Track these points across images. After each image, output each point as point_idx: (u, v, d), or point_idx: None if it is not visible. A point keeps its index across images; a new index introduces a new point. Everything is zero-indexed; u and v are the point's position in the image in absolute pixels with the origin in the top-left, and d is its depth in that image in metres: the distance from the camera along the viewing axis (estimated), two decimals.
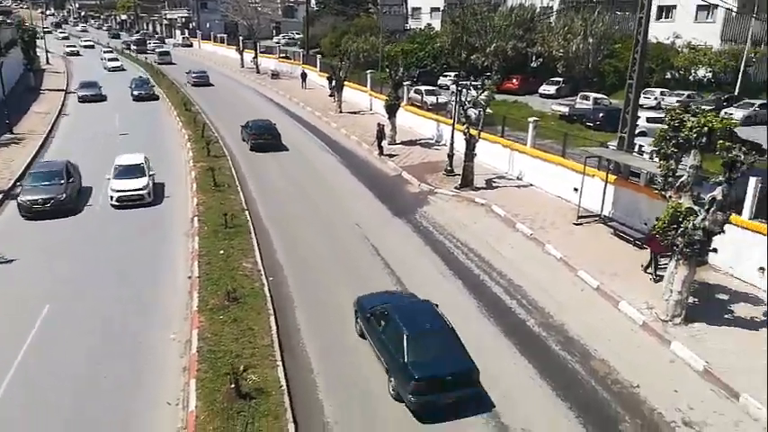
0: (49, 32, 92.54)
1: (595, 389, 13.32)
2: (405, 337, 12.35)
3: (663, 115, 26.43)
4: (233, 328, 14.86)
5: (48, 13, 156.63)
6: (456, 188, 25.89)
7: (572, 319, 15.94)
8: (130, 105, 44.48)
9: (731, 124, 13.83)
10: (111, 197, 23.55)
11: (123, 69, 63.04)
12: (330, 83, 45.08)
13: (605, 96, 41.95)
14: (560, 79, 49.20)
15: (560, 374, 13.76)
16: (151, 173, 24.76)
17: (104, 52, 72.78)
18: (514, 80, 50.22)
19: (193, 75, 55.40)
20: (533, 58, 52.71)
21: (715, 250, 18.10)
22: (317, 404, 12.68)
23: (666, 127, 14.89)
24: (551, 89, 48.27)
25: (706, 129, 13.72)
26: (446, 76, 51.63)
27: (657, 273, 17.68)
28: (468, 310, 16.49)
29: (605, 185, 21.62)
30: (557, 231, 21.36)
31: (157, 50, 76.52)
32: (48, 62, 67.84)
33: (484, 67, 52.58)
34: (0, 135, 34.01)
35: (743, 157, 13.10)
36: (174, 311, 16.18)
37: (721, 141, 13.26)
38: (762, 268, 16.98)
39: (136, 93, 46.24)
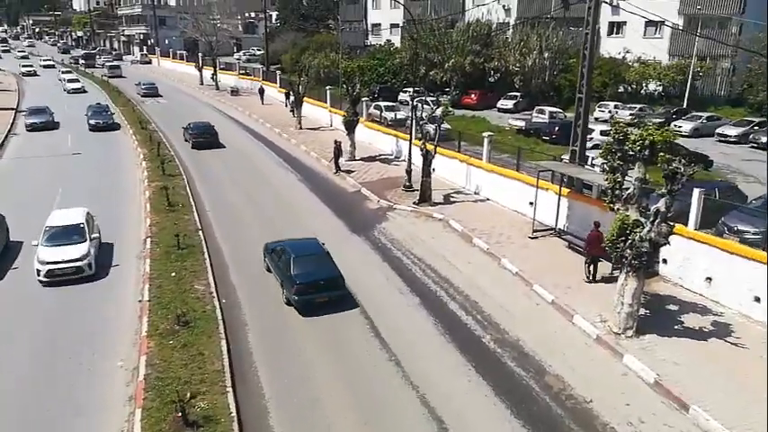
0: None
1: (549, 405, 13.31)
2: (291, 258, 17.11)
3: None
4: (183, 354, 14.44)
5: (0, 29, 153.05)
6: (414, 204, 25.93)
7: (527, 334, 15.98)
8: (86, 135, 39.61)
9: (671, 137, 14.18)
10: (39, 271, 18.10)
11: (85, 91, 58.70)
12: (287, 98, 45.06)
13: (561, 110, 42.81)
14: (518, 94, 50.11)
15: (515, 391, 13.73)
16: (94, 235, 19.79)
17: (63, 72, 68.64)
18: (473, 95, 50.98)
19: (143, 86, 59.38)
20: (491, 73, 53.53)
21: (664, 261, 18.63)
22: (269, 430, 12.35)
23: (611, 140, 15.18)
24: (509, 104, 49.09)
25: (648, 141, 14.02)
26: (406, 91, 51.97)
27: (594, 275, 18.49)
28: (424, 326, 16.43)
29: (558, 199, 21.92)
30: (512, 245, 21.52)
31: (107, 65, 79.06)
32: None
33: (443, 82, 53.39)
34: None
35: (683, 168, 13.41)
36: (123, 337, 15.64)
37: (662, 154, 13.56)
38: (758, 298, 16.73)
39: (92, 122, 40.86)
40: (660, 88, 50.40)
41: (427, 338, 15.83)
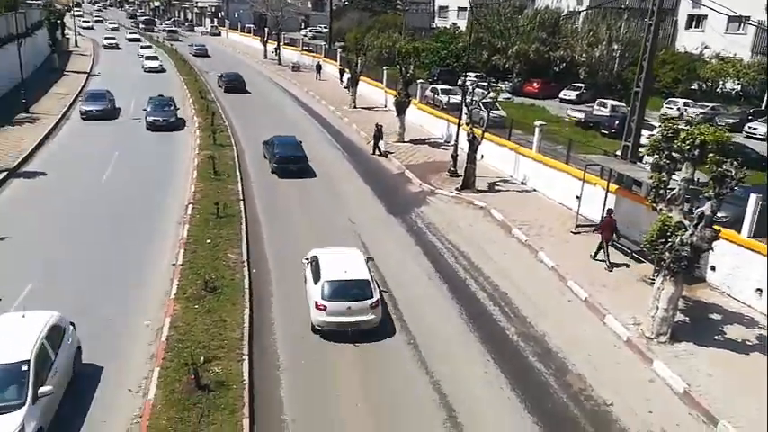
0: (81, 16, 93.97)
1: (566, 404, 12.87)
2: (275, 143, 27.37)
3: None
4: (206, 319, 14.73)
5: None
6: (457, 189, 25.48)
7: (554, 329, 15.47)
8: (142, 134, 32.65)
9: (724, 137, 13.21)
10: None
11: (163, 70, 54.20)
12: (342, 75, 45.19)
13: (624, 104, 40.94)
14: (582, 85, 48.31)
15: (532, 386, 13.34)
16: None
17: (142, 47, 63.99)
18: (535, 84, 49.55)
19: (195, 47, 69.36)
20: (556, 63, 51.76)
21: (713, 268, 17.60)
22: (278, 401, 12.47)
23: (659, 137, 14.32)
24: (572, 94, 47.40)
25: (698, 140, 13.13)
26: (467, 76, 50.96)
27: (610, 262, 18.65)
28: (448, 312, 16.19)
29: (606, 194, 21.01)
30: (552, 239, 20.84)
31: (166, 29, 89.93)
32: (76, 44, 68.97)
33: (505, 68, 52.16)
34: (16, 114, 34.53)
35: (733, 172, 12.49)
36: (154, 298, 16.09)
37: (712, 155, 12.67)
38: (759, 289, 16.29)
39: (150, 119, 32.95)
40: (738, 87, 47.51)
41: (449, 325, 15.56)
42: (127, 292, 16.24)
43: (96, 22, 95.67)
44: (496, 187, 26.12)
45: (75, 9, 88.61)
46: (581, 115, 39.16)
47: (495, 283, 17.86)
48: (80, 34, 74.93)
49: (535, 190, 25.79)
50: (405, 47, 32.93)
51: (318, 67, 55.64)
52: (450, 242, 20.66)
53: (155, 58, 56.82)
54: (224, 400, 11.94)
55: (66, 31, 68.78)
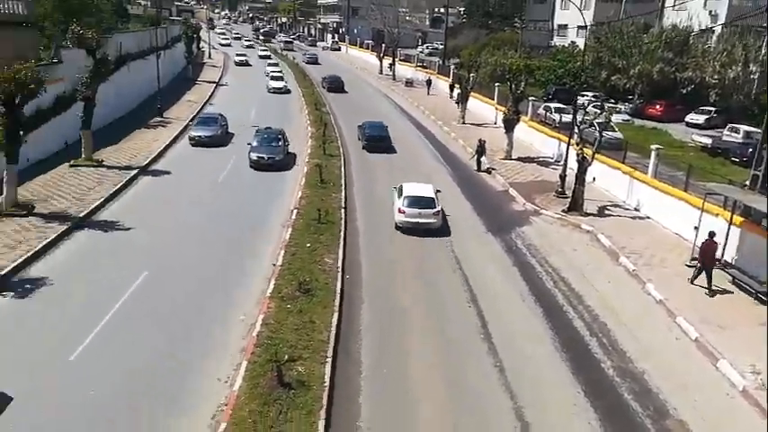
0: (223, 33, 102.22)
1: None
2: (365, 126, 34.27)
3: None
4: (296, 319, 15.12)
5: (222, 13, 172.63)
6: (563, 211, 24.45)
7: (656, 368, 14.28)
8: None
9: None
10: None
11: (287, 92, 51.49)
12: (451, 90, 45.28)
13: (759, 131, 37.44)
14: (712, 108, 44.82)
15: (625, 427, 12.37)
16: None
17: (269, 65, 62.17)
18: (658, 106, 46.74)
19: (307, 56, 79.27)
20: (683, 84, 48.48)
21: None
22: (356, 407, 12.47)
23: None
24: (700, 118, 44.10)
25: None
26: (584, 95, 49.14)
27: (711, 287, 17.80)
28: (539, 338, 15.47)
29: (729, 227, 19.22)
30: (664, 270, 19.36)
31: (283, 40, 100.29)
32: (210, 57, 74.38)
33: (625, 89, 49.68)
34: (151, 118, 37.75)
35: None
36: (251, 295, 16.77)
37: None
38: None
39: (254, 156, 28.66)
40: None
41: (540, 353, 14.84)
42: (228, 287, 17.06)
43: (235, 39, 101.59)
44: (606, 211, 24.77)
45: (214, 23, 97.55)
46: (708, 141, 36.28)
47: (596, 312, 16.84)
48: (214, 48, 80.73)
49: (649, 217, 24.16)
50: (516, 63, 32.27)
51: (429, 82, 56.61)
52: (551, 265, 19.82)
53: (280, 78, 54.37)
54: (303, 400, 12.13)
55: (202, 44, 74.58)
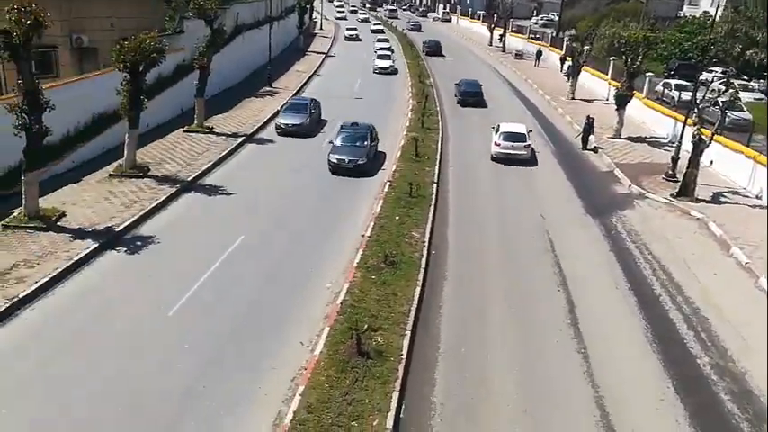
0: (341, 7, 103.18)
1: None
2: (462, 83, 39.44)
3: None
4: (379, 290, 15.37)
5: None
6: (671, 196, 22.85)
7: (760, 369, 13.14)
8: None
9: None
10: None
11: (395, 72, 47.48)
12: (562, 63, 43.35)
13: None
14: None
15: (717, 429, 11.54)
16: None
17: (378, 41, 57.54)
18: None
19: (411, 23, 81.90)
20: None
21: None
22: (431, 382, 12.55)
23: None
24: None
25: None
26: (712, 71, 45.11)
27: None
28: (631, 329, 14.71)
29: None
30: None
31: (388, 9, 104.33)
32: (321, 28, 75.92)
33: (761, 64, 44.97)
34: (260, 88, 39.35)
35: None
36: (339, 264, 17.24)
37: None
38: None
39: (335, 159, 24.43)
40: None
41: (630, 343, 14.14)
42: (320, 256, 17.62)
43: (351, 12, 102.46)
44: (722, 198, 22.85)
45: None
46: None
47: (696, 305, 15.71)
48: (326, 18, 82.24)
49: None
50: (634, 35, 30.12)
51: (539, 54, 54.88)
52: (651, 253, 18.67)
53: (387, 57, 49.27)
54: (379, 370, 12.37)
55: (315, 15, 76.22)
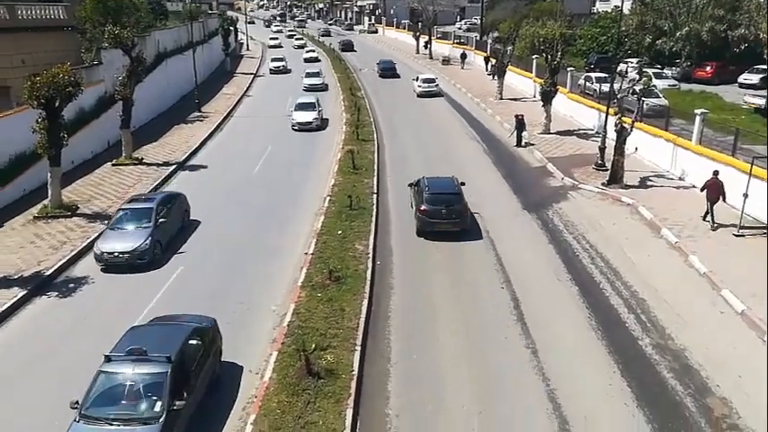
0: (252, 23, 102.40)
1: (704, 431, 11.31)
2: (380, 63, 54.07)
3: None
4: (326, 307, 15.20)
5: (261, 3, 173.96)
6: (602, 185, 23.67)
7: (697, 344, 13.69)
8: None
9: None
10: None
11: (323, 89, 45.84)
12: (486, 64, 44.75)
13: None
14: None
15: (663, 406, 11.90)
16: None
17: (306, 76, 47.50)
18: (708, 68, 44.41)
19: (342, 42, 77.80)
20: (735, 43, 45.82)
21: None
22: (384, 395, 12.46)
23: None
24: (754, 78, 41.61)
25: None
26: (627, 62, 47.14)
27: (714, 222, 19.27)
28: (575, 318, 15.07)
29: None
30: (709, 242, 18.49)
31: (297, 20, 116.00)
32: (248, 48, 75.20)
33: (672, 52, 47.41)
34: (190, 113, 38.53)
35: None
36: (283, 284, 16.94)
37: None
38: None
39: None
40: None
41: (575, 331, 14.49)
42: (263, 278, 17.30)
43: (288, 36, 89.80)
44: (649, 183, 23.83)
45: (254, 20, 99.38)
46: (761, 101, 34.25)
47: (634, 288, 16.25)
48: (252, 38, 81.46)
49: (694, 186, 23.03)
50: (550, 33, 31.18)
51: (463, 56, 56.92)
52: (588, 242, 19.23)
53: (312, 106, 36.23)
54: (332, 389, 12.18)
55: (240, 36, 75.51)
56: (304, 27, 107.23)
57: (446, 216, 19.37)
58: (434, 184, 20.46)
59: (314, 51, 66.51)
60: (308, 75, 47.58)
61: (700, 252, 17.69)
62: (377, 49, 74.52)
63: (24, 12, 28.87)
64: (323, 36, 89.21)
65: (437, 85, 43.45)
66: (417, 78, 44.24)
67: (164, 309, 15.05)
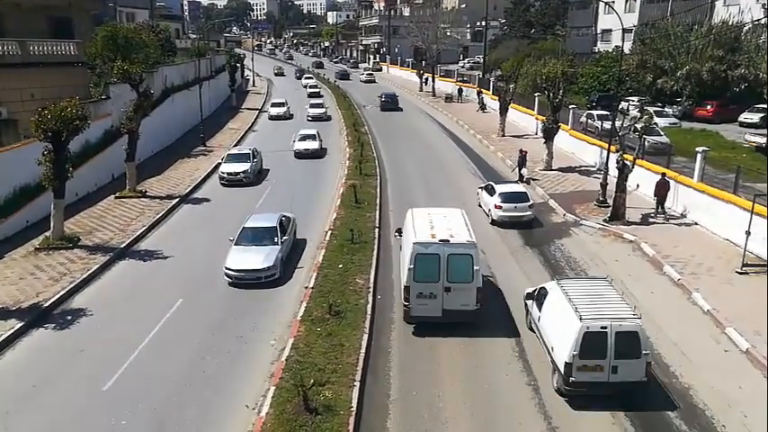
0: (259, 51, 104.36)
1: None
2: (381, 96, 55.45)
3: None
4: (325, 342, 15.05)
5: (267, 41, 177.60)
6: (604, 221, 23.65)
7: (703, 383, 13.48)
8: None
9: None
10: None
11: (327, 119, 49.20)
12: (479, 96, 45.85)
13: None
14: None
15: None
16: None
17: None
18: (709, 107, 44.77)
19: (338, 73, 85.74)
20: (736, 83, 46.36)
21: None
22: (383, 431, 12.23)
23: None
24: (754, 117, 41.94)
25: None
26: (628, 101, 47.68)
27: (664, 212, 23.83)
28: None
29: None
30: (712, 279, 18.35)
31: (285, 53, 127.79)
32: (254, 84, 76.38)
33: (673, 91, 47.94)
34: (194, 147, 38.91)
35: None
36: (283, 318, 16.82)
37: None
38: None
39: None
40: None
41: None
42: (262, 312, 17.19)
43: (297, 77, 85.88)
44: (651, 219, 23.79)
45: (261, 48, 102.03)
46: (762, 140, 34.41)
47: None
48: (258, 75, 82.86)
49: (696, 223, 23.06)
50: (552, 71, 31.64)
51: (460, 91, 60.19)
52: None
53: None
54: (329, 426, 11.98)
55: (247, 72, 76.77)
56: (321, 67, 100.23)
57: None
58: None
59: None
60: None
61: (703, 289, 17.55)
62: (380, 85, 75.50)
63: (36, 48, 29.43)
64: (341, 79, 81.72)
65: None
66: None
67: (161, 342, 14.88)
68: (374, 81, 79.52)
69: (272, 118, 50.88)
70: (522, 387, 13.63)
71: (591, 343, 12.17)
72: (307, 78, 75.73)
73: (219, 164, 32.46)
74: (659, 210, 23.85)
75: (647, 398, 12.96)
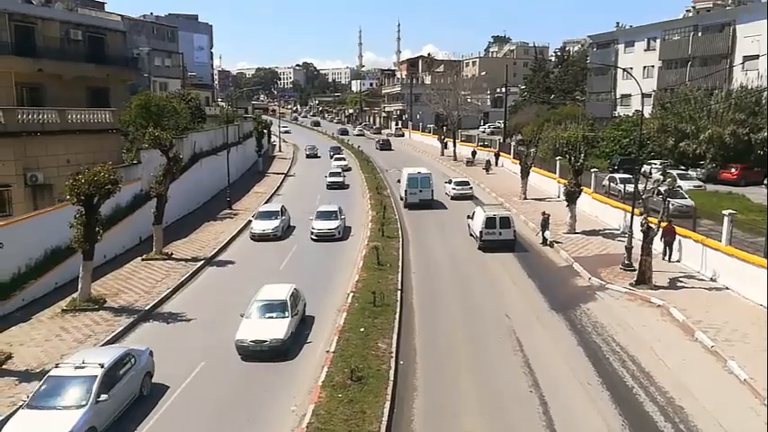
0: (285, 126, 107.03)
1: None
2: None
3: None
4: (347, 409, 14.73)
5: (293, 108, 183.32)
6: (630, 285, 23.21)
7: None
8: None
9: None
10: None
11: (345, 186, 49.15)
12: (496, 157, 47.34)
13: None
14: None
15: None
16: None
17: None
18: (733, 169, 44.55)
19: (338, 131, 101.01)
20: (759, 145, 46.21)
21: None
22: None
23: None
24: None
25: None
26: (651, 164, 47.68)
27: (670, 255, 25.46)
28: (608, 425, 14.28)
29: None
30: (747, 346, 17.72)
31: (310, 119, 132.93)
32: (280, 150, 78.29)
33: (695, 154, 47.91)
34: (221, 211, 39.64)
35: None
36: (303, 383, 16.59)
37: None
38: None
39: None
40: None
41: None
42: (283, 377, 17.00)
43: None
44: (679, 283, 23.30)
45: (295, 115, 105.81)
46: None
47: (670, 395, 15.47)
48: (284, 141, 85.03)
49: (727, 288, 22.50)
50: (573, 135, 31.97)
51: (473, 153, 62.91)
52: (619, 344, 18.60)
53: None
54: None
55: (273, 138, 78.88)
56: (346, 134, 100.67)
57: None
58: None
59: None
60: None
61: (738, 357, 16.93)
62: (403, 150, 76.82)
63: (74, 116, 30.75)
64: (383, 149, 77.24)
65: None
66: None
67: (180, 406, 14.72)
68: (390, 149, 77.46)
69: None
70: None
71: (489, 222, 28.04)
72: (338, 159, 62.50)
73: (250, 221, 33.73)
74: (665, 255, 25.38)
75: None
